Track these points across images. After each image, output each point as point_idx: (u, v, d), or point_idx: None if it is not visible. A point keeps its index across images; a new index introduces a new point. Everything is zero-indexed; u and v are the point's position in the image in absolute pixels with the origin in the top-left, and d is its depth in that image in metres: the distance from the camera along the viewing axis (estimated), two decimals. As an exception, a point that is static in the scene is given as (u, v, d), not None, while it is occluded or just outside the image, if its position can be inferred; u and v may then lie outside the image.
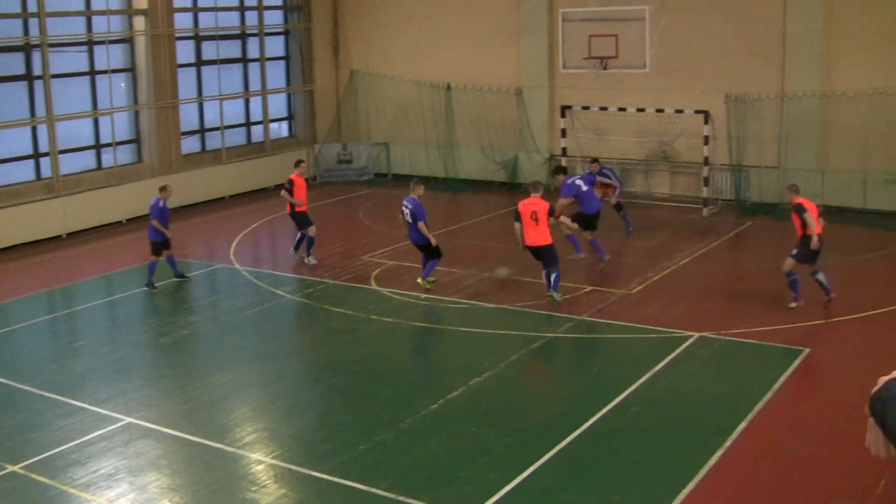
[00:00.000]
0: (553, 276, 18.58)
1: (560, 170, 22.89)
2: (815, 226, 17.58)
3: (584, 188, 21.30)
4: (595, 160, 24.06)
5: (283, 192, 22.23)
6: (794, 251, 17.86)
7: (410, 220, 19.68)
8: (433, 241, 19.74)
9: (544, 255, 18.64)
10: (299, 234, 22.48)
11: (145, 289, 20.53)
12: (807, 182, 25.84)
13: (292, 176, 22.23)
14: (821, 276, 17.96)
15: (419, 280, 19.84)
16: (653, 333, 16.95)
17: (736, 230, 24.64)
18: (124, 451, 12.79)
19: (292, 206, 22.14)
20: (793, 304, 17.95)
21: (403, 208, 19.86)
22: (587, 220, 21.34)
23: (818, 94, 25.62)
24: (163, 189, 21.03)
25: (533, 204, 18.50)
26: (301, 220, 22.26)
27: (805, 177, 25.87)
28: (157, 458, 12.66)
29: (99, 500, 11.46)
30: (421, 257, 20.18)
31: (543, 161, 29.54)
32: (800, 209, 17.64)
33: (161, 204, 20.69)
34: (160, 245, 20.74)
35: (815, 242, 17.53)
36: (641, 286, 19.75)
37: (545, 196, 19.05)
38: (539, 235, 18.47)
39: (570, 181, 21.48)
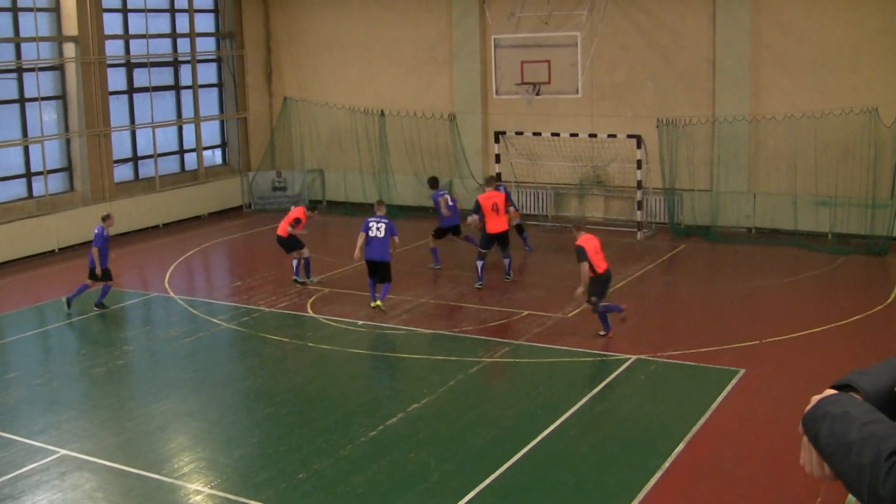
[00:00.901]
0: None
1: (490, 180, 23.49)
2: (598, 264, 17.53)
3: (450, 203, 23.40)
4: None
5: (291, 230, 22.11)
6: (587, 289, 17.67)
7: (381, 235, 19.89)
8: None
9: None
10: (294, 261, 22.48)
11: (95, 310, 20.73)
12: (738, 205, 26.26)
13: (301, 214, 22.38)
14: (601, 307, 17.78)
15: (377, 303, 19.89)
16: (589, 357, 17.04)
17: (670, 253, 24.88)
18: (60, 483, 12.59)
19: (287, 232, 22.21)
20: (602, 333, 17.92)
21: (372, 224, 20.05)
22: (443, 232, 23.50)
23: (748, 119, 26.00)
24: (106, 218, 20.99)
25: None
26: (294, 244, 22.32)
27: (736, 199, 26.26)
28: (94, 490, 12.48)
29: (33, 534, 11.28)
30: (367, 282, 20.23)
31: (478, 186, 29.63)
32: (580, 255, 17.41)
33: (106, 233, 20.70)
34: (95, 273, 20.62)
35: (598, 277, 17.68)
36: (577, 310, 19.83)
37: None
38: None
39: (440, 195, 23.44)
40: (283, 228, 22.33)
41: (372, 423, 14.33)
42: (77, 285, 20.92)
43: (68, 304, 20.68)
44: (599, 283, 17.62)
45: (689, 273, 23.47)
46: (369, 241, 19.98)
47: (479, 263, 21.88)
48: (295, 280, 22.45)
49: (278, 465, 12.98)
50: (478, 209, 21.69)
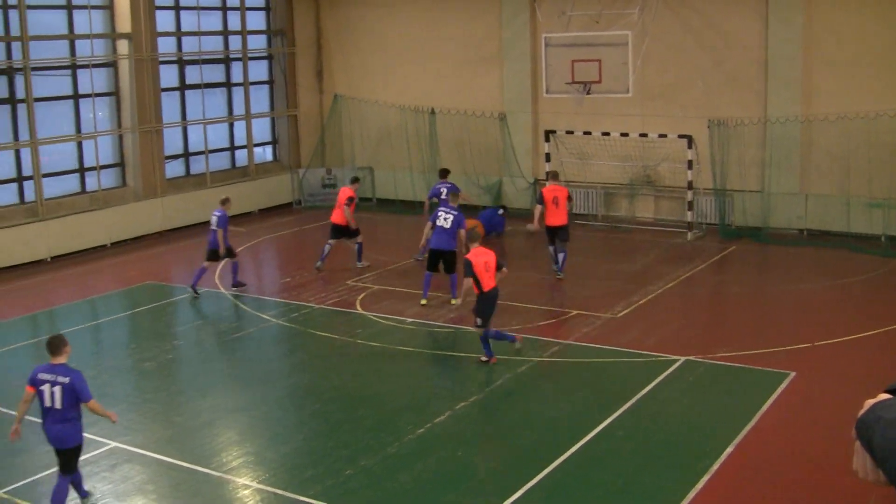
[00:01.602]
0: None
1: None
2: (485, 282, 16.57)
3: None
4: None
5: (347, 210, 23.06)
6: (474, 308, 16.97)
7: (448, 226, 20.14)
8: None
9: None
10: (356, 246, 23.54)
11: (189, 292, 21.74)
12: (790, 206, 26.02)
13: (353, 192, 23.42)
14: (492, 333, 16.85)
15: (454, 301, 20.28)
16: (638, 357, 16.96)
17: (720, 254, 24.70)
18: (110, 475, 12.73)
19: (346, 219, 23.15)
20: (483, 359, 16.91)
21: (441, 214, 20.37)
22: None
23: (800, 119, 25.76)
24: (225, 202, 22.32)
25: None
26: (354, 232, 23.34)
27: (788, 200, 26.03)
28: (143, 482, 12.60)
29: (83, 526, 11.40)
30: (423, 277, 20.50)
31: (528, 185, 29.58)
32: (467, 269, 16.70)
33: (226, 216, 21.98)
34: (216, 253, 21.97)
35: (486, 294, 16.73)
36: (627, 310, 19.78)
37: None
38: None
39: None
40: (340, 215, 23.02)
41: (419, 420, 14.35)
42: (195, 270, 22.12)
43: (194, 290, 21.66)
44: (485, 303, 16.62)
45: (739, 274, 23.29)
46: (436, 230, 20.19)
47: (552, 254, 22.54)
48: (360, 264, 23.31)
49: (325, 462, 13.02)
50: (541, 200, 22.36)
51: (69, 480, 11.58)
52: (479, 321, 16.74)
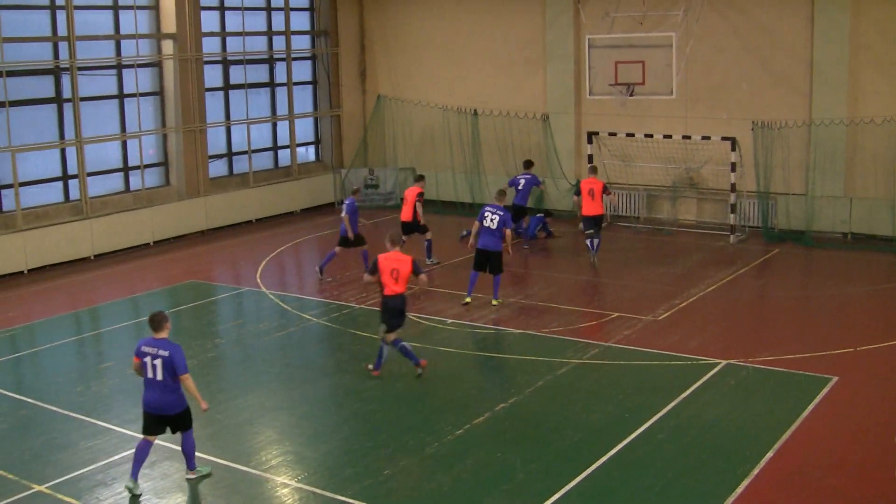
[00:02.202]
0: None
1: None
2: (389, 287, 16.24)
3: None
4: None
5: (419, 207, 23.86)
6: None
7: (494, 227, 20.27)
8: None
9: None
10: (426, 242, 24.24)
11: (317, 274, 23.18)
12: (834, 209, 25.81)
13: (421, 189, 24.23)
14: (400, 346, 16.41)
15: (496, 301, 20.44)
16: (679, 360, 16.88)
17: (763, 257, 24.53)
18: (150, 472, 12.81)
19: (415, 216, 23.90)
20: (370, 366, 16.61)
21: (488, 213, 20.45)
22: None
23: (845, 122, 25.54)
24: (356, 191, 23.65)
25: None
26: (424, 228, 24.06)
27: (832, 204, 25.81)
28: (182, 479, 12.67)
29: (124, 522, 11.49)
30: (469, 276, 20.64)
31: (570, 187, 29.49)
32: (372, 267, 16.50)
33: (355, 205, 22.96)
34: (346, 240, 22.96)
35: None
36: (668, 313, 19.69)
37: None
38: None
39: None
40: (409, 212, 23.83)
41: (458, 421, 14.34)
42: (326, 253, 23.84)
43: (321, 271, 23.25)
44: (384, 308, 16.26)
45: (782, 278, 23.11)
46: (482, 230, 20.25)
47: (587, 242, 24.13)
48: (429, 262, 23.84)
49: (364, 462, 13.05)
50: (577, 192, 24.48)
51: (191, 434, 12.55)
52: (382, 327, 16.29)
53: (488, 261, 20.42)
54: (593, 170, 24.86)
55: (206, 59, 29.41)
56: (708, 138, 26.61)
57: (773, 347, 17.40)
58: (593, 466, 12.68)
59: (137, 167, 27.87)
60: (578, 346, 17.74)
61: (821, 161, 25.97)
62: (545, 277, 22.95)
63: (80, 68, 26.03)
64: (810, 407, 14.59)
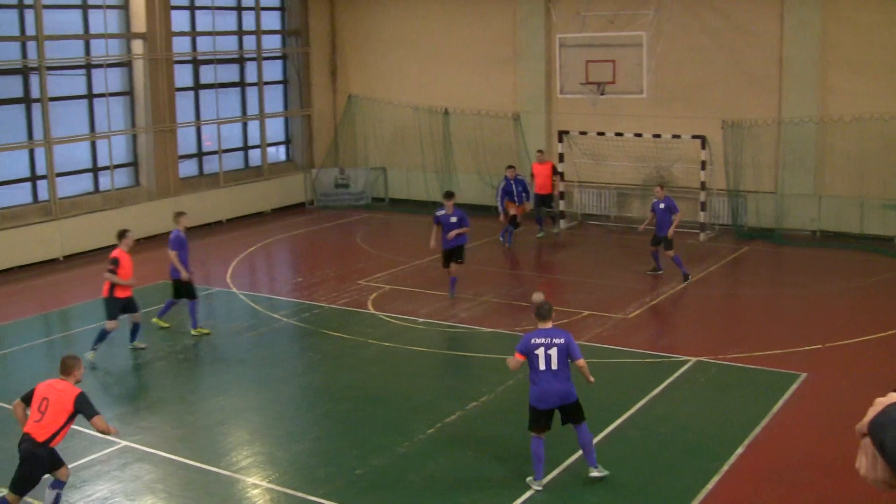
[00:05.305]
0: None
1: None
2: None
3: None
4: (511, 167, 26.51)
5: (106, 274, 17.42)
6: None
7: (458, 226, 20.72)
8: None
9: None
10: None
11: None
12: (804, 207, 25.95)
13: (116, 253, 17.59)
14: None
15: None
16: (650, 358, 16.94)
17: (733, 255, 24.65)
18: (120, 474, 12.75)
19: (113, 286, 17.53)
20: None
21: (448, 218, 20.71)
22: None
23: (815, 120, 25.69)
24: (180, 215, 19.24)
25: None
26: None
27: (802, 202, 25.97)
28: (154, 481, 12.62)
29: (94, 524, 11.41)
30: (449, 278, 20.95)
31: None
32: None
33: (182, 235, 18.81)
34: (179, 285, 18.86)
35: None
36: (638, 311, 19.75)
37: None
38: None
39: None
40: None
41: (430, 420, 14.35)
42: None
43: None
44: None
45: (752, 275, 23.23)
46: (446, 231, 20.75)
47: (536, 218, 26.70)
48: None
49: (336, 461, 13.04)
50: (530, 175, 26.83)
51: (585, 427, 12.26)
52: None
53: (451, 257, 20.80)
54: (540, 153, 27.41)
55: (176, 58, 29.30)
56: (678, 137, 26.70)
57: (743, 344, 17.48)
58: (564, 464, 12.72)
59: (107, 168, 27.73)
60: (550, 345, 17.74)
61: (791, 159, 26.11)
62: (517, 276, 22.99)
63: (49, 68, 25.87)
64: (780, 403, 14.67)
